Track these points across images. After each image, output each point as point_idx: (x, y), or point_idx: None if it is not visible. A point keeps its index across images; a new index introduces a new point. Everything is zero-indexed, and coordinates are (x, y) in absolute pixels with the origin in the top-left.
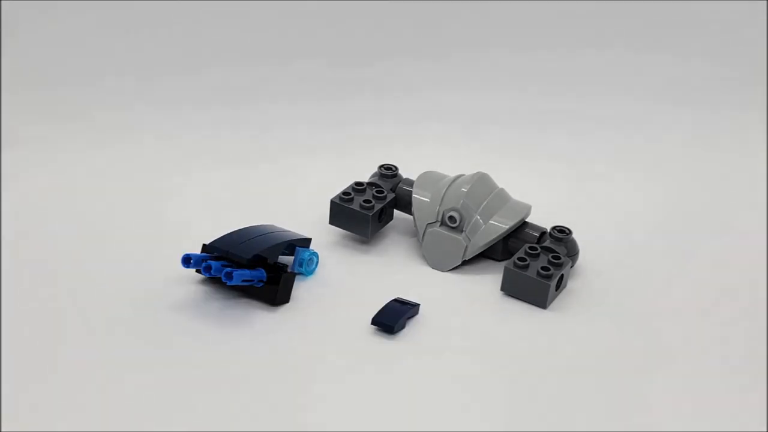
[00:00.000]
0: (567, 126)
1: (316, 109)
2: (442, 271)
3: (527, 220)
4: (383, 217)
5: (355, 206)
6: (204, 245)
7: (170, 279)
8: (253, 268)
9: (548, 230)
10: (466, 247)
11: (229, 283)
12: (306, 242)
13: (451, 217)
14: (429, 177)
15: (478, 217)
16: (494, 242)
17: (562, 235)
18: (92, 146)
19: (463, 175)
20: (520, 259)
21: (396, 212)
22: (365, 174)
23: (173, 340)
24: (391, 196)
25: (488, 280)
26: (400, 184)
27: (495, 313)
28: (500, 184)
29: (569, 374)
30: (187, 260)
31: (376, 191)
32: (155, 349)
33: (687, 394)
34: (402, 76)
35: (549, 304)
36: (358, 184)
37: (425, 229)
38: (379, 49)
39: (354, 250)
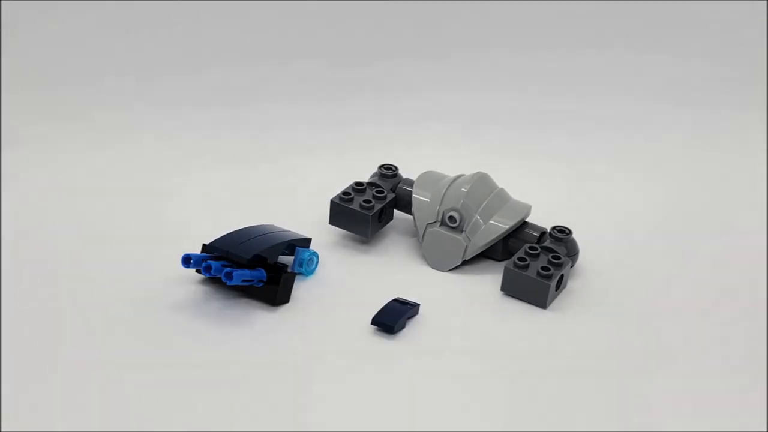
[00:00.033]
0: (567, 126)
1: (316, 109)
2: (442, 271)
3: (527, 220)
4: (383, 217)
5: (355, 206)
6: (204, 245)
7: (170, 279)
8: (253, 268)
9: (548, 230)
10: (466, 247)
11: (229, 283)
12: (306, 242)
13: (451, 217)
14: (429, 177)
15: (478, 217)
16: (494, 242)
17: (562, 235)
18: (92, 146)
19: (463, 175)
20: (520, 259)
21: (396, 212)
22: (365, 174)
23: (173, 340)
24: (391, 196)
25: (488, 280)
26: (400, 184)
27: (495, 313)
28: (500, 184)
29: (569, 374)
30: (187, 260)
31: (376, 191)
32: (155, 349)
33: (687, 394)
34: (402, 76)
35: (549, 304)
36: (358, 184)
37: (425, 229)
38: (379, 49)
39: (354, 250)
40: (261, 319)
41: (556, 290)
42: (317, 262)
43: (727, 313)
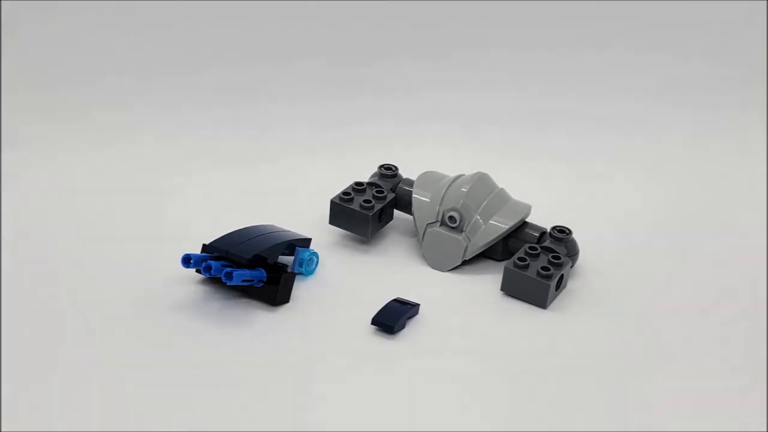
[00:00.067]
0: (567, 126)
1: (316, 109)
2: (442, 271)
3: (527, 220)
4: (383, 217)
5: (355, 206)
6: (204, 245)
7: (170, 279)
8: (253, 268)
9: (548, 230)
10: (466, 247)
11: (229, 283)
12: (306, 242)
13: (451, 217)
14: (429, 177)
15: (478, 217)
16: (494, 242)
17: (562, 235)
18: (92, 146)
19: (463, 175)
20: (520, 259)
21: (396, 212)
22: (365, 174)
23: (173, 340)
24: (391, 196)
25: (488, 280)
26: (400, 184)
27: (495, 313)
28: (500, 184)
29: (569, 374)
30: (187, 260)
31: (376, 191)
32: (155, 349)
33: (687, 394)
34: (402, 76)
35: (549, 304)
36: (358, 184)
37: (425, 229)
38: (379, 49)
39: (354, 250)
40: (261, 319)
41: (556, 290)
42: (317, 262)
43: (727, 313)
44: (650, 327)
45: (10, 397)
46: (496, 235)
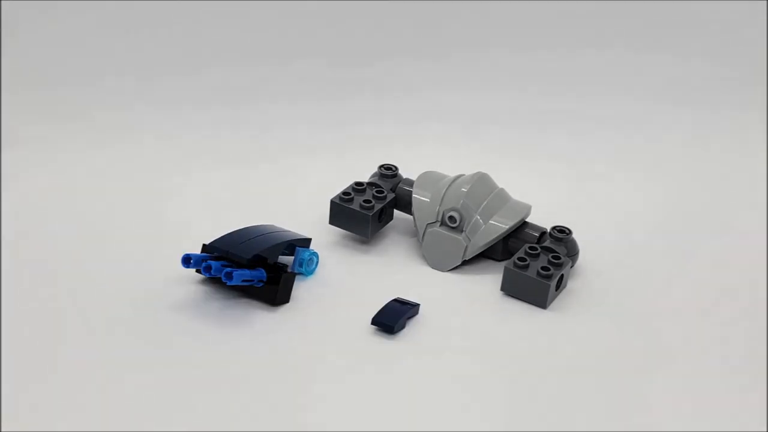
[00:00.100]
0: (567, 126)
1: (316, 109)
2: (442, 271)
3: (527, 220)
4: (383, 217)
5: (355, 206)
6: (204, 245)
7: (170, 279)
8: (253, 268)
9: (548, 230)
10: (466, 247)
11: (229, 283)
12: (306, 242)
13: (451, 217)
14: (429, 177)
15: (478, 217)
16: (494, 242)
17: (562, 235)
18: (92, 146)
19: (463, 175)
20: (520, 259)
21: (396, 212)
22: (365, 174)
23: (173, 340)
24: (391, 196)
25: (488, 280)
26: (400, 184)
27: (495, 313)
28: (500, 184)
29: (569, 374)
30: (187, 260)
31: (376, 191)
32: (155, 349)
33: (687, 394)
34: (402, 76)
35: (549, 304)
36: (358, 184)
37: (425, 229)
38: (379, 49)
39: (354, 250)
40: (261, 319)
41: (556, 290)
42: (317, 262)
43: (727, 313)
44: (650, 327)
45: (10, 397)
46: (496, 235)
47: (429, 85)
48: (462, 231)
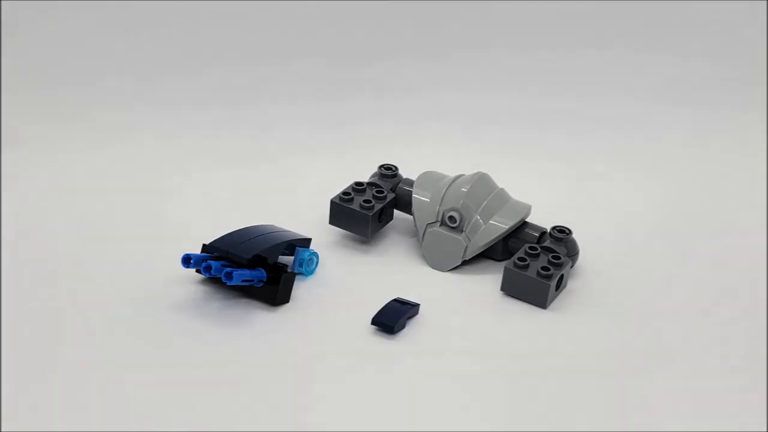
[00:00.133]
0: (567, 126)
1: (316, 109)
2: (442, 271)
3: (527, 220)
4: (383, 217)
5: (355, 206)
6: (204, 245)
7: (170, 279)
8: (253, 268)
9: (548, 230)
10: (466, 247)
11: (229, 283)
12: (306, 242)
13: (451, 217)
14: (429, 177)
15: (478, 217)
16: (494, 242)
17: (562, 235)
18: (92, 146)
19: (463, 175)
20: (520, 259)
21: (396, 212)
22: (365, 174)
23: (173, 340)
24: (391, 196)
25: (488, 280)
26: (400, 184)
27: (495, 313)
28: (500, 184)
29: (569, 374)
30: (187, 260)
31: (376, 191)
32: (155, 349)
33: (687, 394)
34: (402, 76)
35: (549, 304)
36: (358, 184)
37: (425, 229)
38: (379, 49)
39: (354, 250)
40: (261, 319)
41: (556, 290)
42: (317, 262)
43: (727, 313)
44: (650, 327)
45: (10, 397)
46: (496, 235)
47: (429, 85)
48: (462, 231)
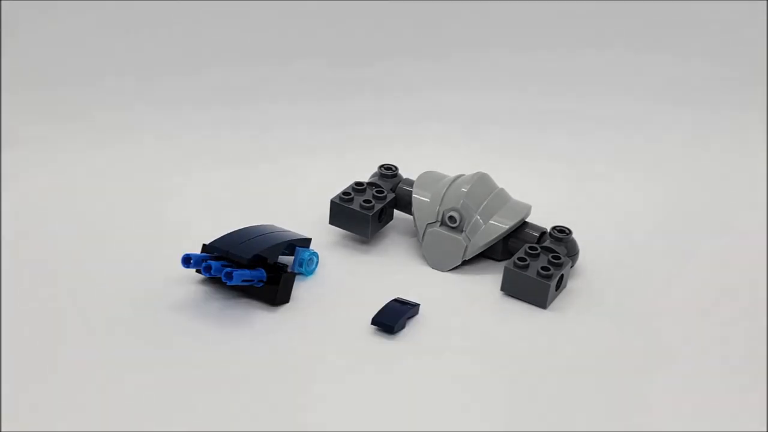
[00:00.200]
0: (567, 126)
1: (316, 109)
2: (442, 271)
3: (527, 220)
4: (383, 217)
5: (355, 206)
6: (204, 245)
7: (170, 279)
8: (253, 268)
9: (548, 230)
10: (466, 247)
11: (229, 283)
12: (306, 242)
13: (451, 217)
14: (429, 177)
15: (478, 217)
16: (494, 242)
17: (562, 235)
18: (92, 146)
19: (463, 175)
20: (520, 259)
21: (396, 212)
22: (365, 174)
23: (173, 340)
24: (391, 196)
25: (488, 280)
26: (400, 184)
27: (495, 313)
28: (500, 184)
29: (569, 374)
30: (187, 260)
31: (376, 191)
32: (155, 349)
33: (687, 394)
34: (402, 76)
35: (549, 304)
36: (358, 184)
37: (425, 229)
38: (379, 49)
39: (354, 250)
40: (261, 319)
41: (556, 290)
42: (317, 262)
43: (727, 313)
44: (650, 327)
45: (10, 397)
46: (496, 235)
47: (429, 85)
48: (462, 231)
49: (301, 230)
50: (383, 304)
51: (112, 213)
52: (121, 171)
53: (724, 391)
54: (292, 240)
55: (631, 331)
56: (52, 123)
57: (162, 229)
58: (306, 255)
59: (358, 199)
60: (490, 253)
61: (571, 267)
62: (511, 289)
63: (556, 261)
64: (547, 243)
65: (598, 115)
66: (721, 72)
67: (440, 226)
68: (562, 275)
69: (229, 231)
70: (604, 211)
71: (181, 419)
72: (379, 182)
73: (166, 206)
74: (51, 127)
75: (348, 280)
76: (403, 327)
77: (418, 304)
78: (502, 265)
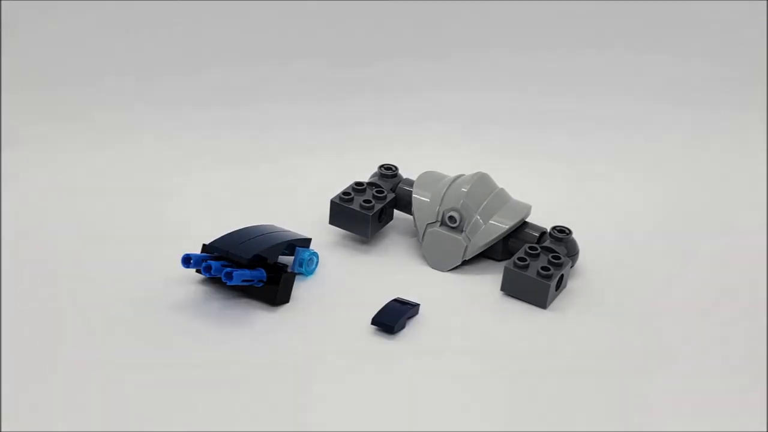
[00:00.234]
0: (567, 126)
1: (316, 109)
2: (442, 271)
3: (527, 220)
4: (383, 217)
5: (355, 206)
6: (204, 245)
7: (170, 279)
8: (253, 268)
9: (548, 230)
10: (466, 247)
11: (229, 283)
12: (306, 242)
13: (451, 217)
14: (429, 177)
15: (478, 217)
16: (494, 242)
17: (562, 235)
18: (92, 146)
19: (463, 175)
20: (520, 259)
21: (396, 212)
22: (365, 174)
23: (173, 340)
24: (391, 196)
25: (488, 280)
26: (400, 184)
27: (495, 313)
28: (500, 184)
29: (569, 374)
30: (187, 260)
31: (376, 191)
32: (155, 349)
33: (687, 394)
34: (402, 76)
35: (549, 304)
36: (358, 184)
37: (425, 229)
38: (379, 49)
39: (354, 250)
40: (261, 319)
41: (556, 290)
42: (317, 262)
43: (727, 313)
44: (650, 327)
45: (10, 397)
46: (496, 235)
47: (429, 85)
48: (462, 231)
49: (301, 230)
50: (383, 304)
51: (112, 213)
52: (121, 171)
53: (724, 391)
54: (292, 240)
55: (631, 331)
56: (52, 123)
57: (162, 229)
58: (306, 255)
59: (358, 199)
60: (490, 253)
61: (571, 267)
62: (511, 289)
63: (556, 261)
64: (547, 243)
65: (598, 115)
66: (721, 72)
67: (440, 226)
68: (562, 275)
69: (229, 231)
70: (604, 211)
71: (181, 419)
72: (379, 182)
73: (166, 206)
74: (51, 127)
75: (348, 280)
76: (403, 327)
77: (418, 304)
78: (502, 265)
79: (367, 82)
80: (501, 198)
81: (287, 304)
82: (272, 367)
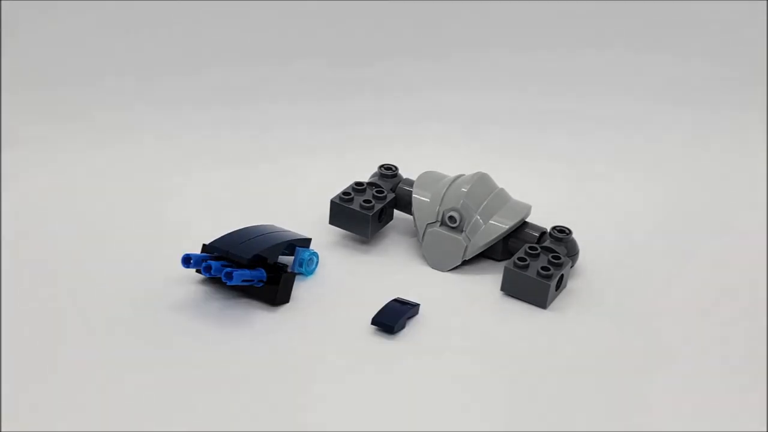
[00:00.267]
0: (567, 126)
1: (316, 109)
2: (442, 271)
3: (527, 220)
4: (383, 217)
5: (355, 206)
6: (204, 245)
7: (170, 279)
8: (253, 268)
9: (548, 230)
10: (466, 247)
11: (229, 283)
12: (306, 242)
13: (451, 217)
14: (429, 177)
15: (478, 217)
16: (494, 242)
17: (562, 235)
18: (92, 146)
19: (463, 175)
20: (520, 259)
21: (396, 212)
22: (365, 174)
23: (173, 340)
24: (391, 196)
25: (488, 280)
26: (400, 184)
27: (495, 313)
28: (500, 184)
29: (569, 374)
30: (187, 260)
31: (376, 191)
32: (155, 349)
33: (687, 394)
34: (402, 76)
35: (549, 304)
36: (358, 184)
37: (425, 229)
38: (379, 49)
39: (354, 250)
40: (261, 319)
41: (556, 290)
42: (317, 262)
43: (727, 313)
44: (650, 327)
45: (10, 397)
46: (496, 235)
47: (429, 85)
48: (462, 231)
49: (301, 230)
50: (383, 304)
51: (112, 213)
52: (121, 171)
53: (724, 391)
54: (292, 240)
55: (631, 331)
56: (52, 123)
57: (162, 229)
58: (306, 255)
59: (358, 199)
60: (490, 253)
61: (571, 267)
62: (511, 289)
63: (556, 261)
64: (547, 243)
65: (598, 115)
66: (721, 72)
67: (440, 226)
68: (562, 275)
69: (229, 231)
70: (604, 211)
71: (181, 419)
72: (379, 182)
73: (166, 206)
74: (51, 127)
75: (348, 280)
76: (403, 327)
77: (418, 304)
78: (502, 265)
79: (367, 82)
80: (501, 198)
81: (287, 304)
82: (272, 367)
